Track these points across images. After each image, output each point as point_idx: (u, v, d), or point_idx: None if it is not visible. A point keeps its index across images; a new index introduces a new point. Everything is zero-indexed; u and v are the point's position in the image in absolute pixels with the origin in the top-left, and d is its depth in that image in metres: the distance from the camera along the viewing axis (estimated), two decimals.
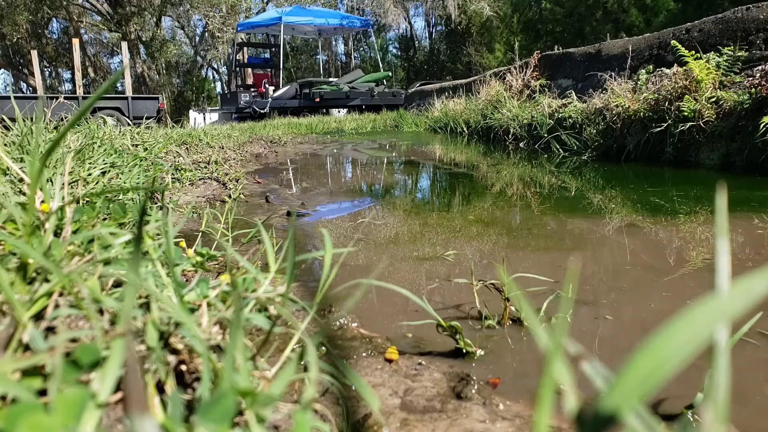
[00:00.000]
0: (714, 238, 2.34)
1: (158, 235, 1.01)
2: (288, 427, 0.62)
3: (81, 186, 1.76)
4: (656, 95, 5.30)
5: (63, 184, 1.12)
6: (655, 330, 0.24)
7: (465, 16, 26.10)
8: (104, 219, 1.21)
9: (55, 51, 26.84)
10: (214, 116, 17.57)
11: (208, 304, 0.74)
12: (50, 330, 0.62)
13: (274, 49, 19.81)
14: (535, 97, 8.08)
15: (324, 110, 16.48)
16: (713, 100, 4.79)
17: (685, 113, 4.86)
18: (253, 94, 16.83)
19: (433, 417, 0.88)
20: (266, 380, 0.64)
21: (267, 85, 17.06)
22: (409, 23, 30.74)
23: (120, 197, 1.78)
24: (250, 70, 19.87)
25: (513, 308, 1.36)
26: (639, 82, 5.94)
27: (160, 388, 0.57)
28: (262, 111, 15.57)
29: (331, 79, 18.60)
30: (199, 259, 1.06)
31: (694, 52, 5.13)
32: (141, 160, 2.65)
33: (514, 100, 8.44)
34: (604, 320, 1.39)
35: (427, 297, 1.54)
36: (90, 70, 26.08)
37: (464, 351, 1.16)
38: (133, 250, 0.53)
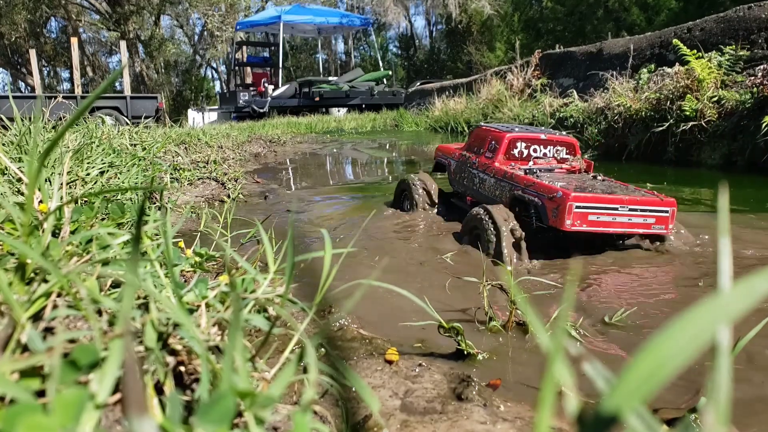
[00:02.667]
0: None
1: (157, 235, 1.01)
2: (287, 428, 0.62)
3: (79, 186, 1.76)
4: (658, 94, 5.29)
5: (61, 183, 1.11)
6: (657, 331, 0.24)
7: (465, 14, 26.09)
8: (103, 219, 1.21)
9: (54, 50, 26.83)
10: (213, 115, 17.55)
11: (207, 305, 0.74)
12: (49, 330, 0.62)
13: (273, 48, 19.79)
14: (536, 96, 8.08)
15: (324, 109, 16.47)
16: (715, 99, 4.79)
17: (687, 113, 4.85)
18: (252, 93, 16.82)
19: (434, 418, 0.88)
20: (265, 381, 0.64)
21: (266, 84, 17.04)
22: (410, 22, 30.72)
23: (118, 197, 1.78)
24: (249, 69, 19.85)
25: (518, 311, 1.35)
26: (640, 82, 5.94)
27: (158, 389, 0.57)
28: (261, 110, 15.56)
29: (330, 78, 18.59)
30: (197, 259, 1.06)
31: (695, 51, 5.12)
32: (139, 160, 2.64)
33: (515, 99, 8.43)
34: None
35: (430, 301, 1.54)
36: (88, 69, 26.07)
37: (466, 353, 1.15)
38: (131, 250, 0.53)
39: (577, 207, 2.00)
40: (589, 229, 2.04)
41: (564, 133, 2.89)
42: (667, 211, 2.10)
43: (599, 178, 2.43)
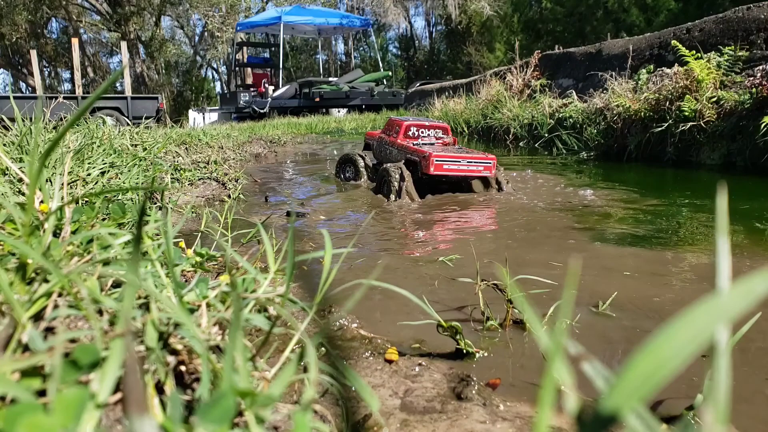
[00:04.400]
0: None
1: (157, 235, 1.01)
2: (288, 427, 0.62)
3: (80, 186, 1.76)
4: (657, 95, 5.29)
5: (62, 184, 1.11)
6: (657, 329, 0.24)
7: (465, 15, 26.12)
8: (103, 219, 1.21)
9: (55, 51, 26.85)
10: (214, 116, 17.57)
11: (208, 305, 0.74)
12: (49, 330, 0.62)
13: (273, 48, 19.81)
14: (535, 97, 8.08)
15: (324, 110, 16.47)
16: (714, 99, 4.79)
17: (686, 113, 4.85)
18: (252, 93, 16.83)
19: (433, 418, 0.88)
20: (266, 381, 0.64)
21: (266, 85, 17.05)
22: (409, 23, 30.74)
23: (119, 197, 1.78)
24: (249, 69, 19.86)
25: (515, 310, 1.36)
26: (640, 82, 5.94)
27: (159, 388, 0.57)
28: (261, 111, 15.57)
29: (330, 79, 18.61)
30: (198, 259, 1.06)
31: (694, 51, 5.12)
32: (140, 160, 2.65)
33: (514, 99, 8.43)
34: None
35: (428, 300, 1.54)
36: (89, 69, 26.08)
37: (465, 351, 1.15)
38: (132, 250, 0.53)
39: (437, 160, 3.31)
40: (444, 173, 3.36)
41: (441, 120, 4.16)
42: (490, 162, 3.43)
43: (461, 148, 3.73)
